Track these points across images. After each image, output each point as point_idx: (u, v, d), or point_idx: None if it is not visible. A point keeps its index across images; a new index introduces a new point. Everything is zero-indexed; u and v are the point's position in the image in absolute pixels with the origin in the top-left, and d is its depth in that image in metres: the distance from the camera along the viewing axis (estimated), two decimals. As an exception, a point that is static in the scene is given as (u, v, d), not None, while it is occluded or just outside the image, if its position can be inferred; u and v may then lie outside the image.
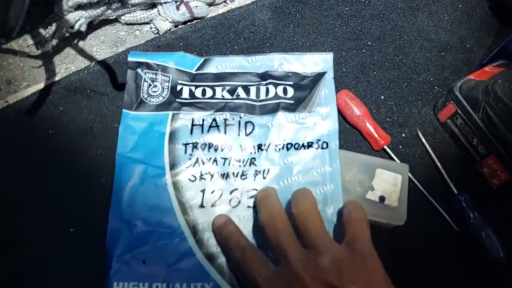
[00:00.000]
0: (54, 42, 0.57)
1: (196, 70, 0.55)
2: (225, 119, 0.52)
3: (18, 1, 0.51)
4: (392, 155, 0.53)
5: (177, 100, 0.53)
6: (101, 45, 0.60)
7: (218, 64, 0.56)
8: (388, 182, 0.49)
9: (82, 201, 0.49)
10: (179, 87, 0.54)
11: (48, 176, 0.51)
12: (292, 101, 0.53)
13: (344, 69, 0.60)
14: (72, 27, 0.56)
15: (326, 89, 0.54)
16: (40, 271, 0.46)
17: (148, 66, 0.55)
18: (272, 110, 0.52)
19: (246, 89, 0.54)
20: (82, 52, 0.60)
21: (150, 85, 0.53)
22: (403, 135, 0.56)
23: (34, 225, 0.48)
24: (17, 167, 0.51)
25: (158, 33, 0.61)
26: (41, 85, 0.56)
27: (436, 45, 0.62)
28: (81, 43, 0.60)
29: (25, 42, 0.59)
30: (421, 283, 0.49)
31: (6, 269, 0.46)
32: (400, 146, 0.55)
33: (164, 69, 0.55)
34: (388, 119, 0.57)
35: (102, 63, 0.58)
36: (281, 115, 0.52)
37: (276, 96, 0.53)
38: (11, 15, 0.53)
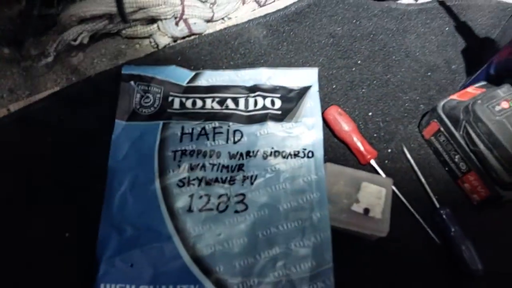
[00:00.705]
0: (57, 53, 0.60)
1: (188, 83, 0.58)
2: (214, 128, 0.54)
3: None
4: (378, 169, 0.55)
5: (168, 110, 0.55)
6: (101, 57, 0.63)
7: (209, 78, 0.58)
8: (373, 195, 0.51)
9: (78, 207, 0.51)
10: (170, 98, 0.56)
11: (46, 182, 0.52)
12: (279, 112, 0.56)
13: (334, 86, 0.62)
14: (75, 39, 0.59)
15: (312, 101, 0.57)
16: (36, 273, 0.48)
17: (141, 78, 0.57)
18: (260, 119, 0.55)
19: (235, 100, 0.57)
20: (83, 64, 0.62)
21: (142, 96, 0.56)
22: (389, 150, 0.58)
23: (30, 230, 0.50)
24: (16, 174, 0.53)
25: (157, 47, 0.64)
26: (42, 94, 0.58)
27: (423, 66, 0.65)
28: (82, 55, 0.62)
29: (29, 52, 0.61)
30: (402, 294, 0.50)
31: (3, 270, 0.47)
32: (386, 161, 0.57)
33: (157, 81, 0.57)
34: (375, 135, 0.59)
35: (101, 75, 0.60)
36: (269, 124, 0.54)
37: (264, 107, 0.56)
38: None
